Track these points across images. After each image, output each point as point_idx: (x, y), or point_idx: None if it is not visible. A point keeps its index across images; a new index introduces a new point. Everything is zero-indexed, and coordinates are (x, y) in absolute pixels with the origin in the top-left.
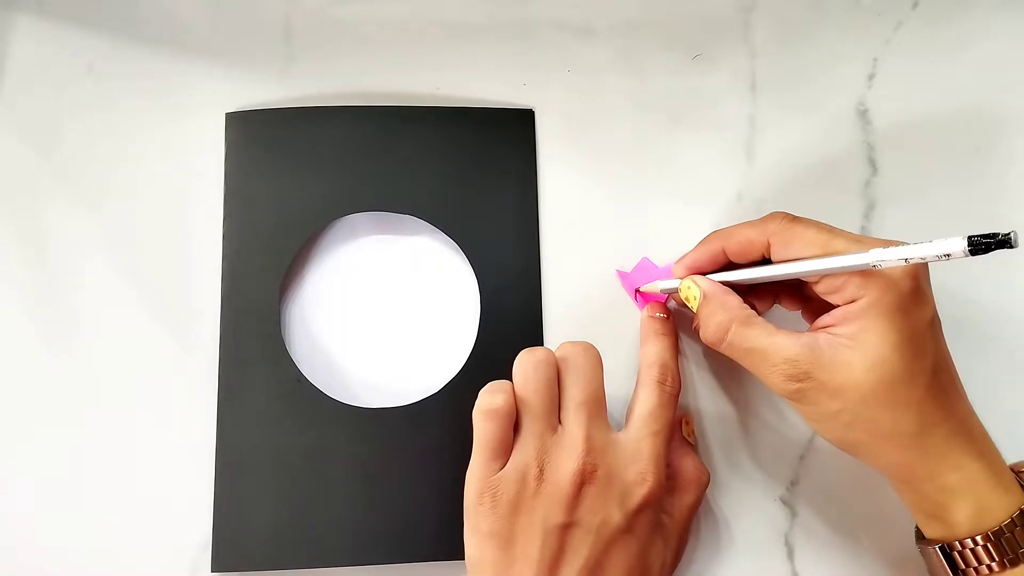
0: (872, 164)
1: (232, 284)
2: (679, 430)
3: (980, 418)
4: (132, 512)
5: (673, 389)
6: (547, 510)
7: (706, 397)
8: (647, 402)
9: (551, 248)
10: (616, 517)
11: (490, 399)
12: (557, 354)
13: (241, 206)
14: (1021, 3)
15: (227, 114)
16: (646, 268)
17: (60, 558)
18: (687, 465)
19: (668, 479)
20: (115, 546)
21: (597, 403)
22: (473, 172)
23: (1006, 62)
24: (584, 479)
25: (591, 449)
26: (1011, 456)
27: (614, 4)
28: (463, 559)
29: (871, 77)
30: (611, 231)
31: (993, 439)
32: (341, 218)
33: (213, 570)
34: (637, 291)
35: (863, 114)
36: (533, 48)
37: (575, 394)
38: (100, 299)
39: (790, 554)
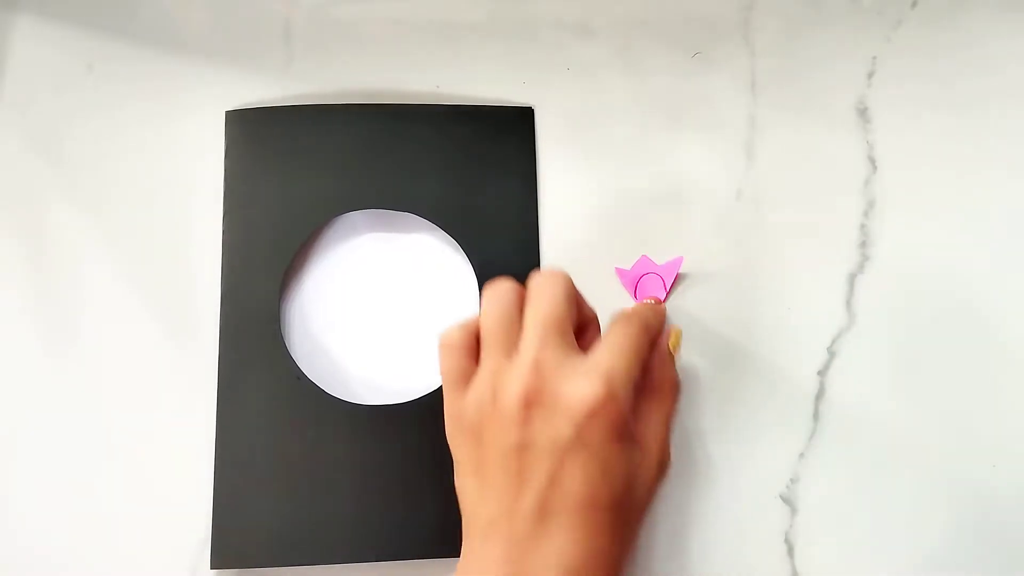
0: (872, 163)
1: (232, 282)
2: (661, 343)
3: (983, 416)
4: (131, 509)
5: (645, 320)
6: (502, 433)
7: (705, 393)
8: (615, 328)
9: (551, 247)
10: (565, 431)
11: (447, 334)
12: (528, 284)
13: (241, 204)
14: (1021, 2)
15: (227, 112)
16: (645, 265)
17: (60, 556)
18: (659, 372)
19: (641, 389)
20: (115, 543)
21: (555, 322)
22: (473, 170)
23: (1006, 62)
24: (529, 399)
25: (538, 369)
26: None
27: (614, 3)
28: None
29: (871, 76)
30: (611, 230)
31: (997, 437)
32: (341, 216)
33: (212, 567)
34: (637, 286)
35: (863, 113)
36: (533, 47)
37: (531, 315)
38: (99, 298)
39: (790, 552)
